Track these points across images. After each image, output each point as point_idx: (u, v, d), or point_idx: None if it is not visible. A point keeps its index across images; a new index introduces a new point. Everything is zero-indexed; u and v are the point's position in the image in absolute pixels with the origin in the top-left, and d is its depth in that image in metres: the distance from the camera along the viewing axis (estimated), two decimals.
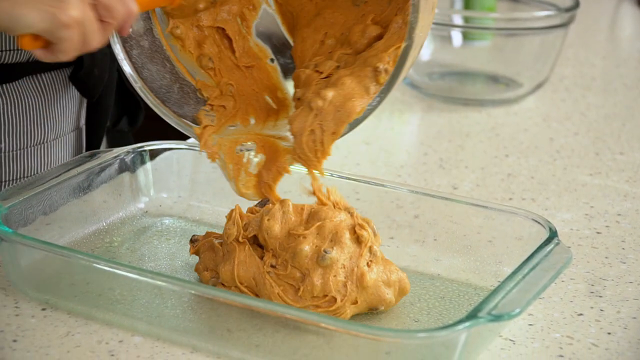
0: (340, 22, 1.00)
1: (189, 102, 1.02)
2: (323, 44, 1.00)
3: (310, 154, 0.95)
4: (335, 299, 0.92)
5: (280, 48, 1.05)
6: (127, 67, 1.00)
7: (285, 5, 1.03)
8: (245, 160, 1.01)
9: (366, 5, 0.99)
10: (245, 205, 1.01)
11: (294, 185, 1.17)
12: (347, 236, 0.95)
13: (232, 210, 0.99)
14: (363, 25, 0.98)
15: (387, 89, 0.93)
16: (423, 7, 0.91)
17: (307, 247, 0.94)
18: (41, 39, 0.87)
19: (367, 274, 0.94)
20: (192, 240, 1.02)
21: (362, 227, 0.96)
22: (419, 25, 0.91)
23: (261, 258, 0.96)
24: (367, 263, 0.94)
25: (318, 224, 0.95)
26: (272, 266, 0.94)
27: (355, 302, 0.93)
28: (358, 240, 0.95)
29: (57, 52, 0.87)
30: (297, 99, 0.97)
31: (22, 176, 1.15)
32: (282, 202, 0.98)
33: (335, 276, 0.93)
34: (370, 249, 0.95)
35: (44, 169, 1.17)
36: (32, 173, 1.16)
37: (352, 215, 0.98)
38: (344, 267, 0.93)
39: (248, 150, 1.01)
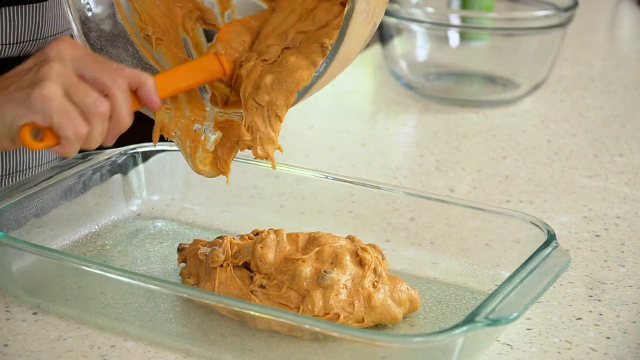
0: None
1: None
2: (285, 20, 1.00)
3: (268, 129, 0.95)
4: (338, 316, 0.91)
5: None
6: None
7: None
8: (202, 137, 1.00)
9: None
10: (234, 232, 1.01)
11: (288, 187, 1.16)
12: (347, 259, 0.94)
13: (224, 238, 0.98)
14: (330, 3, 0.97)
15: (333, 54, 0.92)
16: None
17: (307, 269, 0.93)
18: (44, 133, 0.86)
19: (374, 294, 0.93)
20: (180, 249, 1.01)
21: (364, 250, 0.95)
22: None
23: (250, 279, 0.95)
24: (373, 284, 0.93)
25: (317, 249, 0.95)
26: (260, 286, 0.93)
27: (361, 321, 0.92)
28: (361, 263, 0.94)
29: (64, 139, 0.86)
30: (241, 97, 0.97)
31: (10, 171, 1.15)
32: (277, 231, 0.97)
33: (337, 295, 0.92)
34: (375, 270, 0.94)
35: (35, 164, 1.16)
36: (21, 168, 1.15)
37: (352, 241, 0.97)
38: (346, 288, 0.92)
39: (205, 127, 1.00)
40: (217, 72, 0.99)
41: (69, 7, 0.98)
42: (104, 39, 1.00)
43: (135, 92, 0.90)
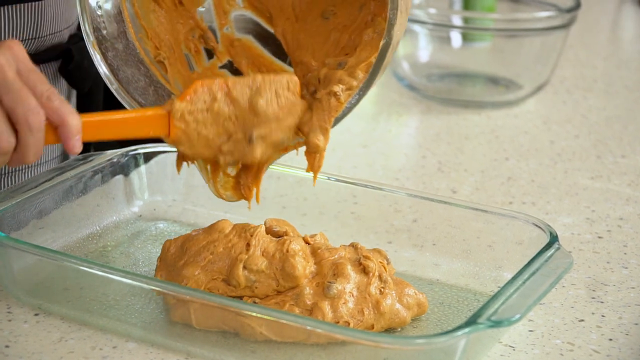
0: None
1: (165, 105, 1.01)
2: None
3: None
4: (348, 324, 0.91)
5: (265, 36, 1.04)
6: (103, 69, 0.99)
7: (262, 7, 1.03)
8: (221, 162, 0.98)
9: (335, 17, 0.99)
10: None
11: (290, 188, 1.16)
12: (349, 268, 0.93)
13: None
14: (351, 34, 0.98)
15: (366, 87, 0.93)
16: (402, 5, 0.91)
17: (308, 289, 0.92)
18: None
19: (382, 300, 0.92)
20: None
21: (367, 258, 0.95)
22: (398, 23, 0.90)
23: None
24: (380, 290, 0.93)
25: (315, 266, 0.94)
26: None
27: (370, 328, 0.92)
28: (365, 271, 0.94)
29: None
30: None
31: (13, 170, 1.14)
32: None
33: (345, 303, 0.91)
34: (380, 277, 0.94)
35: (34, 164, 1.16)
36: (22, 168, 1.15)
37: (355, 248, 0.97)
38: (352, 296, 0.92)
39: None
40: (161, 133, 0.93)
41: (87, 24, 0.97)
42: (119, 58, 1.00)
43: (56, 128, 0.86)
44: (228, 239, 0.95)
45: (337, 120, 0.95)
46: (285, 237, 0.95)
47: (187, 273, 0.93)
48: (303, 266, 0.92)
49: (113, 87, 0.99)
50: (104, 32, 0.98)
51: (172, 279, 0.94)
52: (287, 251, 0.93)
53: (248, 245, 0.94)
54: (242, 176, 0.99)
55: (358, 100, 0.94)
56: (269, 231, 0.98)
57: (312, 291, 0.92)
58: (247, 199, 0.99)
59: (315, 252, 0.95)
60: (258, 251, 0.93)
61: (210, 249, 0.94)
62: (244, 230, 0.95)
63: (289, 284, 0.92)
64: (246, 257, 0.93)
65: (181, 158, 0.98)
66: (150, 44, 1.02)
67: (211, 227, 0.96)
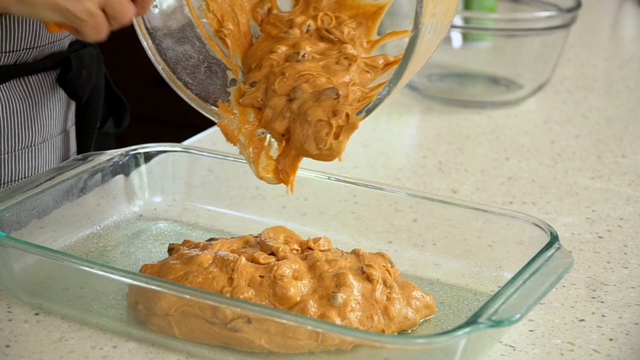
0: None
1: (216, 82, 1.00)
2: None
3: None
4: None
5: None
6: (150, 53, 0.98)
7: None
8: (266, 143, 0.98)
9: None
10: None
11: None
12: (351, 278, 0.92)
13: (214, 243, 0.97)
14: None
15: (396, 78, 0.89)
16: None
17: (312, 302, 0.91)
18: (66, 24, 0.94)
19: (390, 306, 0.92)
20: (170, 249, 1.01)
21: (370, 266, 0.94)
22: (428, 14, 0.86)
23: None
24: (387, 296, 0.93)
25: (315, 278, 0.93)
26: (248, 322, 0.89)
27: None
28: (369, 279, 0.93)
29: (83, 35, 0.94)
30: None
31: (9, 180, 1.14)
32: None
33: (352, 311, 0.91)
34: (385, 282, 0.93)
35: (32, 173, 1.16)
36: (20, 177, 1.15)
37: (357, 256, 0.96)
38: (359, 303, 0.92)
39: (269, 133, 0.98)
40: None
41: None
42: (170, 37, 0.98)
43: None
44: (208, 271, 0.93)
45: (369, 111, 0.91)
46: (272, 263, 0.94)
47: (162, 294, 0.91)
48: (295, 286, 0.91)
49: (159, 67, 0.99)
50: (155, 10, 0.97)
51: (146, 300, 0.92)
52: (275, 277, 0.92)
53: (231, 279, 0.92)
54: (280, 161, 0.98)
55: (388, 92, 0.89)
56: (263, 245, 0.97)
57: (316, 304, 0.91)
58: (286, 183, 0.98)
59: (314, 265, 0.94)
60: (242, 282, 0.92)
61: (188, 279, 0.93)
62: (225, 265, 0.93)
63: (285, 305, 0.91)
64: (231, 289, 0.92)
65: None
66: (210, 16, 1.00)
67: (190, 259, 0.95)
